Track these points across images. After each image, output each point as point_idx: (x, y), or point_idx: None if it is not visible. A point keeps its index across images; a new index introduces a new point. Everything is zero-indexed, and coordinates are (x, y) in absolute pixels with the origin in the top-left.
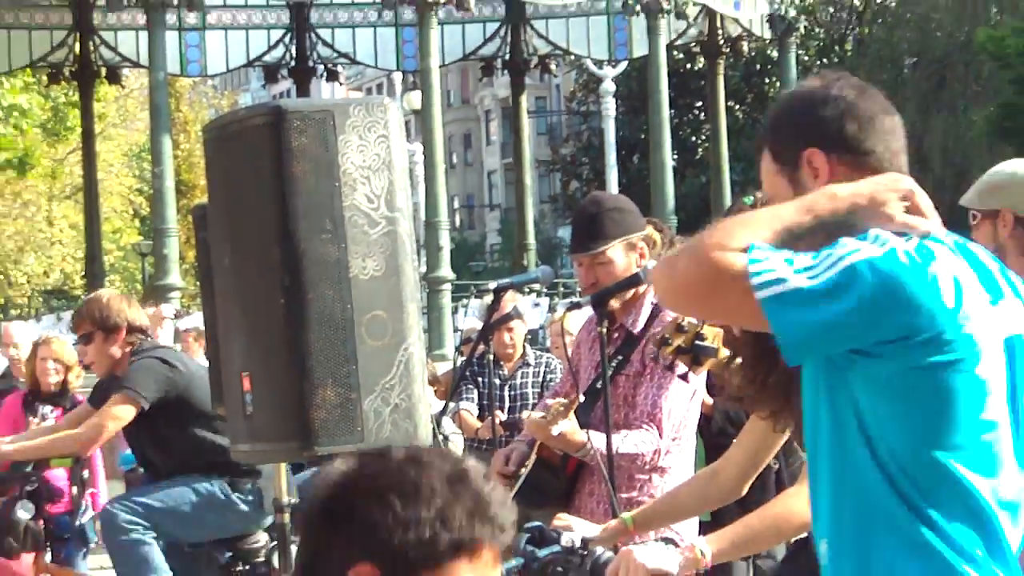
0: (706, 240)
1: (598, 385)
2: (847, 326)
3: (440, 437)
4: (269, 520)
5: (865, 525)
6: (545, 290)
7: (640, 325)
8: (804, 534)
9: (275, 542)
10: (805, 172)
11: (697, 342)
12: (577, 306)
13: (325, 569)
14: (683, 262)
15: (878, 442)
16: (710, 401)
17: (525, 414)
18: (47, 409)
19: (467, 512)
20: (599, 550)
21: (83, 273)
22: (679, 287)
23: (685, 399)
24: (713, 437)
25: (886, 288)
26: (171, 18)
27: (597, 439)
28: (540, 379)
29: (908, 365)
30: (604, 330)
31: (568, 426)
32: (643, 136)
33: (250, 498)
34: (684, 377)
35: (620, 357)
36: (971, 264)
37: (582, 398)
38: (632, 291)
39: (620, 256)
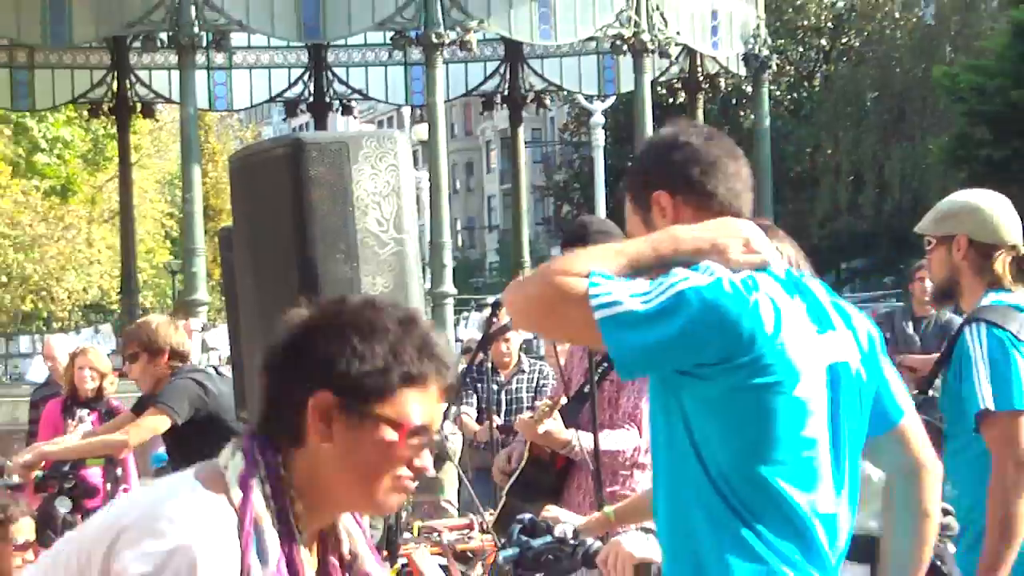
0: (553, 266)
1: (586, 389)
2: (673, 347)
3: (441, 437)
4: None
5: (698, 529)
6: None
7: None
8: None
9: None
10: (655, 212)
11: None
12: None
13: (290, 399)
14: (531, 285)
15: (706, 455)
16: None
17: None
18: (84, 412)
19: (416, 349)
20: (589, 540)
21: (119, 290)
22: (527, 307)
23: None
24: None
25: (710, 314)
26: (201, 58)
27: (582, 437)
28: (534, 385)
29: (731, 386)
30: None
31: (553, 425)
32: (629, 164)
33: None
34: None
35: (606, 364)
36: (803, 298)
37: (564, 400)
38: None
39: None
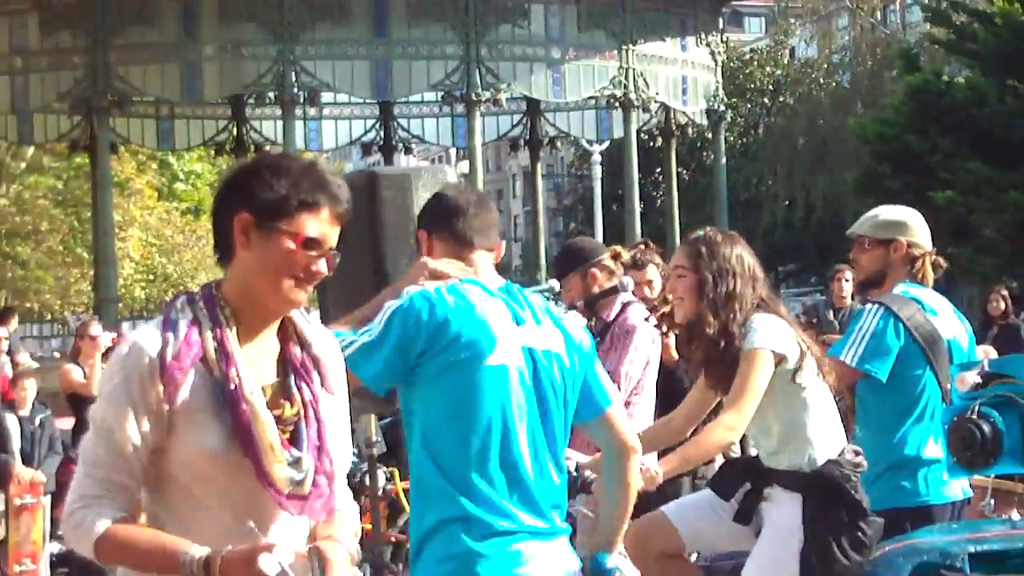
0: None
1: None
2: (397, 353)
3: None
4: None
5: (422, 491)
6: (551, 296)
7: (612, 316)
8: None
9: (366, 467)
10: (422, 247)
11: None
12: (572, 307)
13: (224, 222)
14: None
15: (427, 432)
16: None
17: None
18: None
19: (312, 183)
20: (588, 472)
21: None
22: None
23: (639, 366)
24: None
25: (410, 317)
26: (299, 111)
27: None
28: None
29: (441, 364)
30: (588, 320)
31: None
32: (620, 192)
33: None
34: (663, 332)
35: (598, 338)
36: (507, 299)
37: None
38: (615, 299)
39: (577, 281)
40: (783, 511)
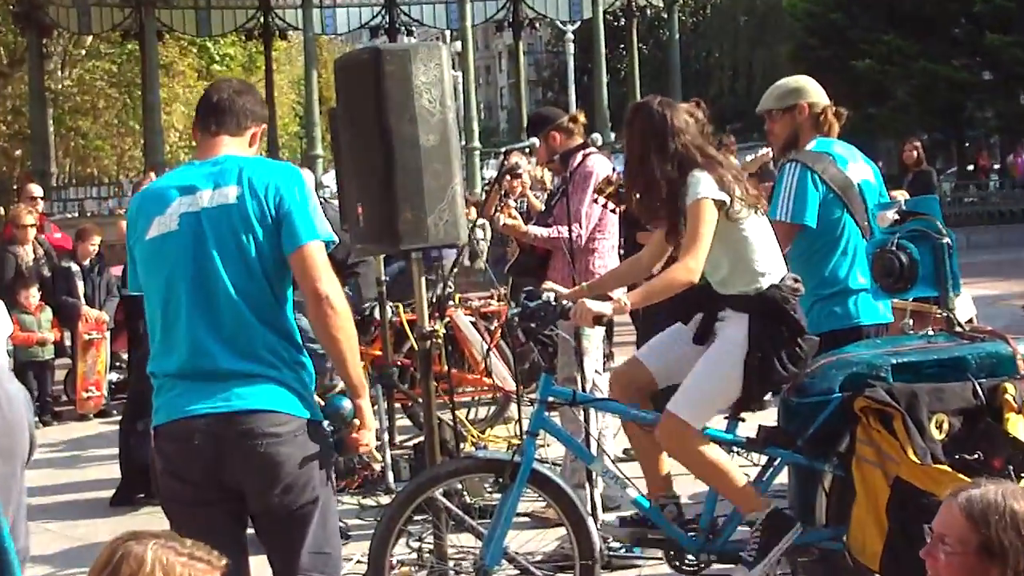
0: None
1: (552, 203)
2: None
3: (475, 240)
4: (366, 306)
5: None
6: (530, 150)
7: (574, 166)
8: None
9: (376, 301)
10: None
11: (621, 191)
12: (551, 161)
13: None
14: None
15: None
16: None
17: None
18: None
19: None
20: (566, 302)
21: (267, 149)
22: None
23: (598, 209)
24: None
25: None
26: (316, 1)
27: (534, 228)
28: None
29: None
30: (564, 171)
31: (508, 220)
32: (589, 66)
33: (350, 292)
34: (611, 209)
35: (565, 186)
36: (197, 172)
37: (514, 203)
38: (580, 152)
39: (546, 143)
40: (733, 327)
